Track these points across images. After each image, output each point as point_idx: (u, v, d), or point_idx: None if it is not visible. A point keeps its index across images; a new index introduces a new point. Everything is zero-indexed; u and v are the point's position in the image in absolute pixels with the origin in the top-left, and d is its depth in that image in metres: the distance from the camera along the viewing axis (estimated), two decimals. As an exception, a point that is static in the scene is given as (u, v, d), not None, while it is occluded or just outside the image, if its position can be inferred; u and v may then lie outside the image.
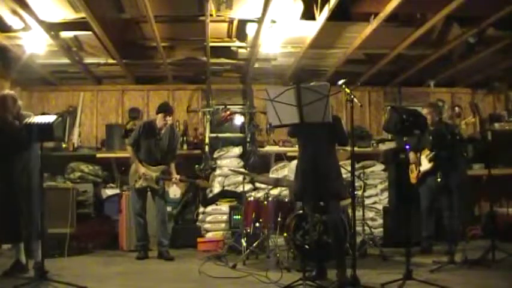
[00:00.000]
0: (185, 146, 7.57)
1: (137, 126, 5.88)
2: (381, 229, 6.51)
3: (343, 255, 4.13)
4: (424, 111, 5.51)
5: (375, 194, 6.98)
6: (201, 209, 6.85)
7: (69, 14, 5.23)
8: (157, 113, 5.69)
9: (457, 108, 7.66)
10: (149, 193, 5.70)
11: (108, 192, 7.00)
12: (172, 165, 5.72)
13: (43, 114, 4.78)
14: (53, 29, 5.56)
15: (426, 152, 5.57)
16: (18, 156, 4.35)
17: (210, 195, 6.95)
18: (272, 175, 6.99)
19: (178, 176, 5.68)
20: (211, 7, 5.14)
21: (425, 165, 5.56)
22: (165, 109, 5.66)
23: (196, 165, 7.10)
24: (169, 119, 5.64)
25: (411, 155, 5.72)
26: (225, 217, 6.55)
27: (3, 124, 4.26)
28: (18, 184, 4.32)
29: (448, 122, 6.03)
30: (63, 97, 8.01)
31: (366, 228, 5.66)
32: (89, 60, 6.91)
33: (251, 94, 7.75)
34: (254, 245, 5.24)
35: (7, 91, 4.65)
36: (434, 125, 5.54)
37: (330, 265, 4.24)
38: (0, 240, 4.82)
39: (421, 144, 5.56)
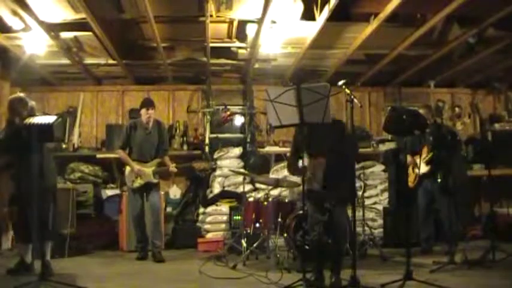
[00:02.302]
0: (185, 147, 7.57)
1: (123, 128, 5.92)
2: (381, 229, 6.51)
3: (340, 259, 4.08)
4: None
5: (375, 195, 6.97)
6: (201, 210, 6.85)
7: (69, 15, 5.23)
8: (140, 109, 5.80)
9: (457, 109, 7.66)
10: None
11: (108, 192, 7.00)
12: (166, 158, 5.76)
13: (43, 114, 4.77)
14: (53, 29, 5.56)
15: (423, 154, 5.55)
16: (33, 157, 4.32)
17: (210, 195, 6.96)
18: (272, 175, 6.97)
19: (174, 165, 5.71)
20: (211, 7, 5.14)
21: (423, 168, 5.53)
22: (145, 103, 5.78)
23: (196, 166, 7.10)
24: (151, 112, 5.72)
25: (408, 158, 5.70)
26: (225, 217, 6.56)
27: (17, 127, 4.23)
28: (35, 185, 4.30)
29: (443, 124, 6.00)
30: (63, 97, 8.00)
31: (366, 228, 5.66)
32: (89, 60, 6.90)
33: (251, 95, 7.75)
34: (254, 245, 5.23)
35: (16, 94, 4.68)
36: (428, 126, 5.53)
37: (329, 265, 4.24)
38: (19, 238, 4.79)
39: (418, 146, 5.56)
